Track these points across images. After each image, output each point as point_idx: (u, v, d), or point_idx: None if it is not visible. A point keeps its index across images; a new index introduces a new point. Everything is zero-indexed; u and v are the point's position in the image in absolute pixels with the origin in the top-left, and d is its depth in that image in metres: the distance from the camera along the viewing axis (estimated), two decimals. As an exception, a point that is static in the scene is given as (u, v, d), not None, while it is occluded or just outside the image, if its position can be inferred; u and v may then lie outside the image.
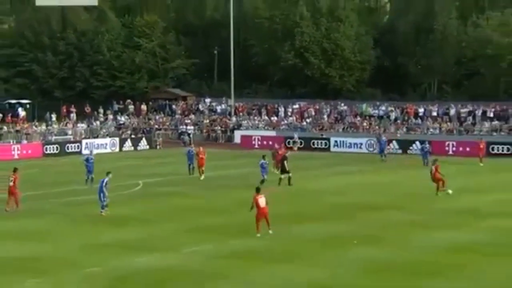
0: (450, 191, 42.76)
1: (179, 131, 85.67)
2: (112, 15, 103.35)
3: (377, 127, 79.15)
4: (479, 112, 79.38)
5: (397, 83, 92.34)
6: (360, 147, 73.56)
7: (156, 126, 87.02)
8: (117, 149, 76.59)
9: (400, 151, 71.56)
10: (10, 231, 33.45)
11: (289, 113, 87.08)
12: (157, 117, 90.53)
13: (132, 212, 38.32)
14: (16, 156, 68.49)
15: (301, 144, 74.19)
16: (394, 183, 50.43)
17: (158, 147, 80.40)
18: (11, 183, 38.51)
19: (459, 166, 58.02)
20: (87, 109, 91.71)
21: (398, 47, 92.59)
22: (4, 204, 38.44)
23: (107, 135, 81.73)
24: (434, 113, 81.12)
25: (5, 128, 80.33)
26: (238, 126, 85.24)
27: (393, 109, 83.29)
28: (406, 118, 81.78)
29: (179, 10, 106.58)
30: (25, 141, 74.19)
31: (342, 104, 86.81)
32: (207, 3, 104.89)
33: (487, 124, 77.04)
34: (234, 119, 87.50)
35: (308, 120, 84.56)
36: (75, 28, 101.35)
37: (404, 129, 78.63)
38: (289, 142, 73.05)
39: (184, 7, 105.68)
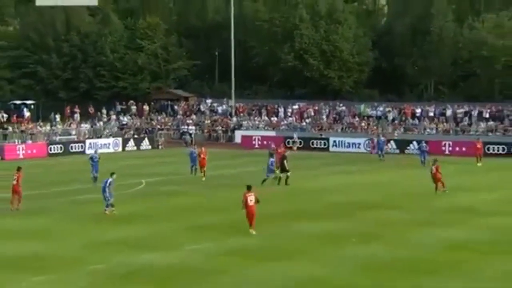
0: (446, 190, 42.72)
1: (181, 131, 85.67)
2: (115, 17, 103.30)
3: (375, 127, 79.12)
4: (475, 113, 79.42)
5: (394, 84, 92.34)
6: (359, 147, 73.59)
7: (158, 126, 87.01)
8: (120, 149, 76.64)
9: (397, 151, 71.55)
10: (15, 229, 33.39)
11: (289, 114, 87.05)
12: (159, 117, 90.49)
13: (135, 211, 38.26)
14: (21, 156, 68.52)
15: (300, 144, 74.25)
16: (392, 182, 50.40)
17: (160, 147, 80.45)
18: (15, 182, 38.44)
19: (456, 166, 57.93)
20: (91, 109, 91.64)
21: (396, 48, 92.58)
22: (8, 203, 38.36)
23: (110, 135, 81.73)
24: (431, 114, 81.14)
25: (10, 128, 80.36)
26: (239, 126, 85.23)
27: (390, 109, 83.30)
28: (403, 118, 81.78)
29: (181, 12, 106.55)
30: (30, 141, 74.21)
31: (341, 105, 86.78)
32: (209, 5, 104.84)
33: (482, 125, 77.07)
34: (234, 119, 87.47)
35: (307, 121, 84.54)
36: (79, 30, 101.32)
37: (402, 129, 78.60)
38: (288, 142, 73.05)
39: (186, 9, 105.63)
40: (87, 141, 75.42)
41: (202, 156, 52.03)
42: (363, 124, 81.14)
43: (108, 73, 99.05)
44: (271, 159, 48.17)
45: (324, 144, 75.97)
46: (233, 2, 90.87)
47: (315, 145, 75.54)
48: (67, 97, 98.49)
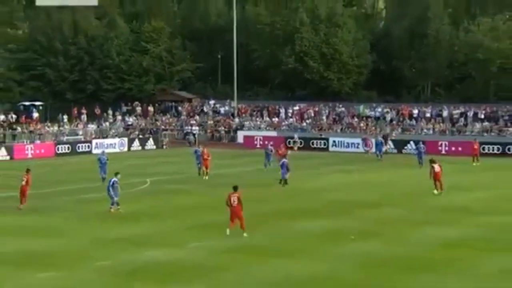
0: (435, 191, 42.45)
1: (185, 131, 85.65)
2: (121, 21, 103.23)
3: (373, 127, 79.10)
4: (470, 114, 79.41)
5: (392, 85, 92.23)
6: (358, 147, 73.52)
7: (163, 127, 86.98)
8: (126, 149, 76.59)
9: (395, 150, 71.51)
10: (24, 227, 33.37)
11: (290, 114, 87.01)
12: (163, 118, 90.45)
13: (140, 209, 38.25)
14: (29, 156, 68.46)
15: (301, 144, 74.22)
16: (390, 182, 50.37)
17: (164, 147, 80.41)
18: (23, 183, 38.43)
19: (452, 165, 57.77)
20: (97, 110, 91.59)
21: (394, 51, 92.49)
22: (16, 202, 38.37)
23: (116, 135, 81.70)
24: (428, 115, 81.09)
25: (19, 128, 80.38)
26: (241, 127, 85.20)
27: (388, 110, 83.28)
28: (401, 119, 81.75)
29: (185, 16, 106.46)
30: (38, 141, 74.19)
31: (340, 106, 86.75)
32: (212, 10, 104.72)
33: (478, 125, 77.04)
34: (237, 120, 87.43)
35: (307, 121, 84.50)
36: (86, 33, 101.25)
37: (399, 130, 78.55)
38: (289, 142, 73.00)
39: (190, 13, 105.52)
40: (94, 141, 75.40)
41: (205, 157, 51.66)
42: (362, 124, 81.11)
43: (114, 75, 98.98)
44: (283, 160, 47.52)
45: (324, 144, 75.93)
46: (235, 6, 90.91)
47: (315, 145, 75.51)
48: (74, 98, 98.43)
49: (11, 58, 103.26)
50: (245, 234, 30.37)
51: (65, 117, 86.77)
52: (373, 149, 69.08)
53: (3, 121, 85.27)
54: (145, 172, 55.13)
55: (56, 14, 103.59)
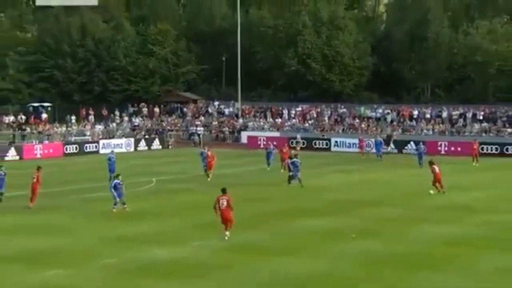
0: (431, 191, 42.28)
1: (190, 132, 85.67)
2: (127, 24, 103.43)
3: (374, 128, 79.02)
4: (469, 115, 79.29)
5: (393, 87, 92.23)
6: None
7: (168, 127, 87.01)
8: (132, 149, 76.64)
9: (395, 151, 71.40)
10: (32, 225, 33.37)
11: (292, 115, 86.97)
12: (169, 119, 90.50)
13: (146, 208, 38.22)
14: (38, 156, 68.54)
15: (303, 144, 74.14)
16: (390, 181, 50.24)
17: (170, 147, 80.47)
18: (34, 180, 38.41)
19: (451, 165, 57.74)
20: (104, 111, 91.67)
21: (394, 53, 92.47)
22: (25, 201, 38.37)
23: (123, 135, 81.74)
24: (428, 115, 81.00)
25: (28, 129, 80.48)
26: (245, 127, 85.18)
27: (389, 111, 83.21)
28: (401, 120, 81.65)
29: (190, 19, 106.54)
30: (47, 141, 74.26)
31: (342, 107, 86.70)
32: (216, 13, 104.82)
33: (477, 126, 76.91)
34: (241, 120, 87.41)
35: (310, 122, 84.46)
36: (93, 36, 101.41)
37: (400, 131, 78.43)
38: (292, 142, 72.89)
39: (195, 16, 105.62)
40: (101, 142, 75.45)
41: (209, 159, 51.22)
42: (363, 125, 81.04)
43: (121, 76, 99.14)
44: (295, 159, 47.16)
45: (326, 144, 75.88)
46: (239, 10, 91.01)
47: (317, 145, 75.45)
48: (82, 99, 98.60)
49: (21, 60, 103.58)
50: (227, 234, 29.37)
51: (73, 118, 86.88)
52: (366, 150, 69.13)
53: (13, 122, 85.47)
54: (151, 172, 55.14)
55: (64, 17, 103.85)
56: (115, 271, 25.04)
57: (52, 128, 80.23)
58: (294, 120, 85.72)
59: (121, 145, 76.04)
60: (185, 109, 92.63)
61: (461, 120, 79.03)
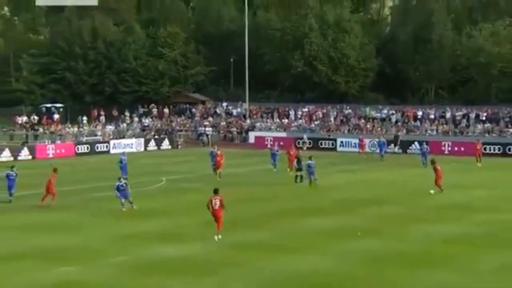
0: (432, 191, 42.27)
1: (198, 132, 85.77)
2: (138, 27, 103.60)
3: (379, 129, 79.05)
4: (472, 115, 79.24)
5: (397, 88, 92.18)
6: (364, 147, 73.29)
7: (178, 128, 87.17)
8: (142, 149, 76.79)
9: (400, 150, 71.45)
10: (43, 223, 33.63)
11: (299, 116, 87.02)
12: (178, 119, 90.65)
13: (156, 206, 38.41)
14: (50, 155, 68.77)
15: (310, 144, 74.16)
16: (393, 181, 50.27)
17: (179, 147, 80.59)
18: (50, 181, 38.63)
19: (454, 165, 57.82)
20: (115, 112, 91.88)
21: (399, 55, 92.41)
22: (37, 200, 38.63)
23: (133, 136, 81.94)
24: (432, 116, 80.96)
25: (41, 129, 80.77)
26: (252, 128, 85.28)
27: (394, 112, 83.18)
28: (406, 120, 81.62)
29: (199, 22, 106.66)
30: (59, 141, 74.48)
31: (348, 108, 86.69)
32: (224, 15, 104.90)
33: (480, 126, 76.86)
34: (248, 121, 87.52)
35: (316, 122, 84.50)
36: (105, 39, 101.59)
37: (404, 131, 78.43)
38: (299, 142, 72.94)
39: (203, 19, 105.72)
40: (112, 142, 75.65)
41: (218, 158, 51.24)
42: (368, 125, 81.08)
43: (131, 78, 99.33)
44: (309, 161, 46.70)
45: (332, 145, 75.94)
46: (247, 12, 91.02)
47: (323, 145, 75.48)
48: (93, 100, 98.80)
49: (34, 62, 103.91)
50: (219, 237, 28.95)
51: (85, 118, 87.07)
52: (371, 150, 69.17)
53: (26, 122, 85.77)
54: (160, 171, 55.30)
55: (76, 20, 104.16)
56: (125, 268, 25.25)
57: (64, 129, 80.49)
58: (300, 121, 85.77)
59: (132, 145, 76.23)
60: (194, 110, 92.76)
61: (465, 120, 78.98)
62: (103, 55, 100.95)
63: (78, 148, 72.24)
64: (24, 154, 67.30)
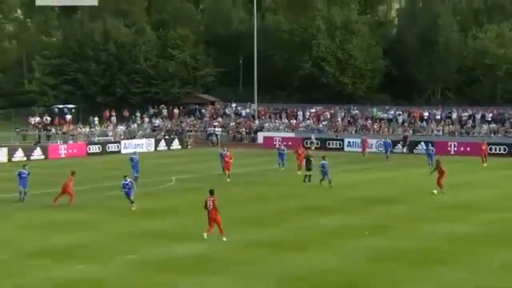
0: (435, 191, 42.20)
1: (208, 132, 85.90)
2: (148, 29, 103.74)
3: (386, 129, 79.03)
4: (478, 116, 79.13)
5: (404, 89, 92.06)
6: (371, 147, 73.29)
7: (187, 128, 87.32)
8: (153, 149, 76.95)
9: (407, 151, 71.43)
10: (56, 222, 33.76)
11: (307, 116, 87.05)
12: (188, 120, 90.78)
13: (166, 205, 38.51)
14: (63, 155, 68.99)
15: (317, 144, 74.17)
16: (400, 180, 50.30)
17: (189, 147, 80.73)
18: (66, 183, 38.79)
19: (460, 164, 57.80)
20: (126, 113, 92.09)
21: (405, 57, 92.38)
22: (50, 199, 38.79)
23: (144, 136, 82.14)
24: (438, 117, 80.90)
25: (53, 130, 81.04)
26: (261, 128, 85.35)
27: (400, 113, 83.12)
28: (412, 121, 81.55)
29: (208, 24, 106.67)
30: (71, 142, 74.76)
31: (355, 108, 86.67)
32: (233, 17, 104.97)
33: (485, 127, 76.76)
34: (257, 121, 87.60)
35: (324, 123, 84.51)
36: (116, 40, 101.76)
37: (411, 131, 78.38)
38: (306, 142, 72.97)
39: (213, 21, 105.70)
40: (123, 142, 75.85)
41: (226, 159, 50.78)
42: (375, 126, 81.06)
43: (142, 79, 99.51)
44: (322, 161, 46.52)
45: (339, 145, 75.96)
46: (256, 15, 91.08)
47: (331, 146, 75.48)
48: (104, 101, 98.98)
49: (46, 63, 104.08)
50: (224, 239, 28.76)
51: (96, 119, 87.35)
52: (378, 150, 69.19)
53: (39, 123, 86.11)
54: (171, 171, 55.36)
55: (88, 22, 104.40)
56: (138, 266, 25.34)
57: (76, 129, 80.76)
58: (308, 121, 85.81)
59: (142, 145, 76.39)
60: (203, 111, 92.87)
61: (470, 121, 78.88)
62: (114, 56, 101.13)
63: (89, 148, 72.44)
64: (37, 154, 67.54)
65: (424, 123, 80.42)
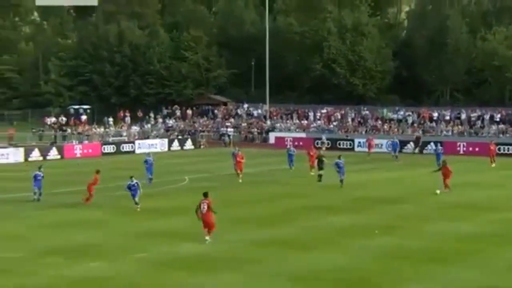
0: (438, 191, 41.91)
1: (220, 133, 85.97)
2: (162, 31, 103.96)
3: (395, 130, 78.85)
4: (487, 117, 78.84)
5: (414, 90, 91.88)
6: (381, 148, 73.18)
7: (200, 129, 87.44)
8: (166, 149, 77.08)
9: (418, 151, 71.33)
10: (72, 221, 33.85)
11: (318, 117, 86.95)
12: (201, 120, 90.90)
13: (179, 204, 38.47)
14: (78, 155, 69.22)
15: (328, 144, 74.05)
16: (408, 180, 50.17)
17: (201, 147, 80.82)
18: (91, 181, 38.91)
19: (469, 164, 57.60)
20: (140, 113, 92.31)
21: (415, 58, 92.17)
22: (66, 197, 38.86)
23: (157, 136, 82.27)
24: (447, 117, 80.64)
25: (69, 130, 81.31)
26: (273, 129, 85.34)
27: (410, 113, 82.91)
28: (422, 121, 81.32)
29: (221, 26, 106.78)
30: (86, 142, 74.98)
31: (365, 109, 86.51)
32: (246, 20, 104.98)
33: (494, 127, 76.45)
34: (269, 122, 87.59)
35: (334, 123, 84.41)
36: (130, 42, 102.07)
37: (420, 132, 78.15)
38: (317, 143, 72.92)
39: (225, 23, 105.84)
40: (137, 142, 76.02)
41: (238, 159, 50.34)
42: (385, 126, 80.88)
43: (156, 80, 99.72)
44: (337, 160, 46.11)
45: (350, 145, 75.85)
46: (267, 17, 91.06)
47: (341, 146, 75.32)
48: (119, 102, 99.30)
49: (62, 65, 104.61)
50: (207, 238, 28.25)
51: (111, 119, 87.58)
52: (388, 151, 69.13)
53: (54, 123, 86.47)
54: (184, 170, 55.43)
55: (103, 25, 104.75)
56: (149, 264, 25.37)
57: (91, 129, 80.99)
58: (319, 122, 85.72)
59: (156, 145, 76.53)
60: (216, 111, 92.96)
61: (479, 122, 78.59)
62: (129, 58, 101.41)
63: (104, 148, 72.63)
64: (53, 153, 67.80)
65: (434, 124, 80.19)
